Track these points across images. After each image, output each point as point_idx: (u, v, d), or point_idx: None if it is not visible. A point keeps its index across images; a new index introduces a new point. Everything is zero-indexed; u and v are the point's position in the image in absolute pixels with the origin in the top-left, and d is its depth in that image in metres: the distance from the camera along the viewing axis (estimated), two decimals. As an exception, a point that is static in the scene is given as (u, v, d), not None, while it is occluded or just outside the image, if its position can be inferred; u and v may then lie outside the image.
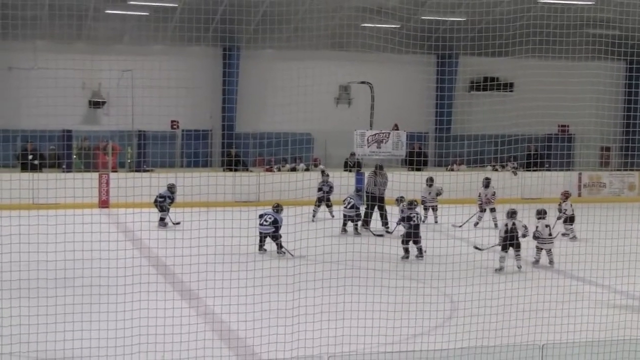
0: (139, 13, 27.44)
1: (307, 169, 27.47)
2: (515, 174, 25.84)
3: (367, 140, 27.11)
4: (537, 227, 16.85)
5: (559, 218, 20.59)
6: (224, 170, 26.58)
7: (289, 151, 27.85)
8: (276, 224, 17.56)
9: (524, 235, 16.64)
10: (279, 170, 27.18)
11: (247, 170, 27.14)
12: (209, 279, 10.93)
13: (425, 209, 22.44)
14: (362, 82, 29.30)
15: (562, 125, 32.09)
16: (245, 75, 29.46)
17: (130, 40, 28.63)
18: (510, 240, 16.22)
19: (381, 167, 22.71)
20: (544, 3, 24.71)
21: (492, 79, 31.10)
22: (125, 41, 28.65)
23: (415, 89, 30.78)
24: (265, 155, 28.09)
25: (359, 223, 20.73)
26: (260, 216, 17.83)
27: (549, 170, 29.29)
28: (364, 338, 10.44)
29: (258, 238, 17.80)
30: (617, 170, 31.67)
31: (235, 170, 26.00)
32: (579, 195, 29.05)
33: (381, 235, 18.58)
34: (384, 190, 21.98)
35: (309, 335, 10.28)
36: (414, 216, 17.70)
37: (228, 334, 11.31)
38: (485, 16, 27.46)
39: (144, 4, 26.83)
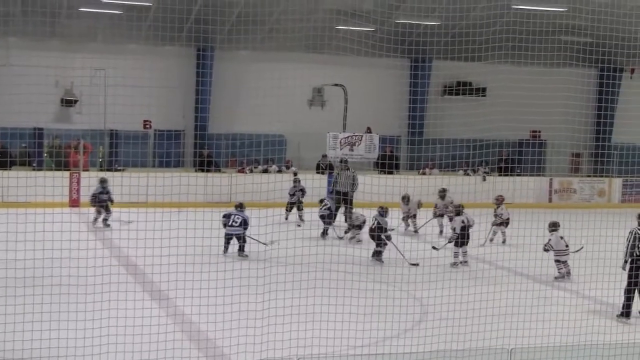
0: (113, 11, 27.29)
1: (279, 171, 27.46)
2: (484, 179, 25.92)
3: (340, 142, 27.14)
4: (549, 240, 16.61)
5: (494, 223, 20.49)
6: (196, 171, 26.54)
7: (261, 152, 27.84)
8: (245, 224, 17.49)
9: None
10: (251, 171, 27.15)
11: (219, 171, 27.09)
12: (179, 280, 10.89)
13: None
14: (336, 85, 29.35)
15: (534, 131, 32.32)
16: (219, 76, 29.43)
17: (103, 39, 28.47)
18: (463, 237, 17.10)
19: (345, 162, 23.13)
20: (518, 9, 24.84)
21: (465, 84, 31.26)
22: (98, 39, 28.49)
23: (389, 92, 30.88)
24: (237, 157, 28.04)
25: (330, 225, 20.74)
26: (226, 216, 17.66)
27: (519, 175, 29.47)
28: (333, 340, 10.44)
29: (224, 240, 17.52)
30: (588, 176, 31.95)
31: (208, 171, 25.94)
32: (550, 200, 29.29)
33: (416, 265, 17.33)
34: (350, 186, 22.09)
35: (278, 337, 10.27)
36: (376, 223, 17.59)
37: (198, 335, 11.27)
38: (459, 21, 27.67)
39: (118, 3, 26.69)
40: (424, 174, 28.96)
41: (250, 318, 10.73)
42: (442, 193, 22.01)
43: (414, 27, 28.68)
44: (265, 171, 27.29)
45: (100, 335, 9.96)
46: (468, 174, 28.48)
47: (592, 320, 12.28)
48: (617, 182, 31.18)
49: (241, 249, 17.46)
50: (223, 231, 17.41)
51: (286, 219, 22.49)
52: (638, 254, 13.28)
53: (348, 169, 22.84)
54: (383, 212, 17.64)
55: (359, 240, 19.64)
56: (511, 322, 11.67)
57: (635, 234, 13.35)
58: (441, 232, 21.48)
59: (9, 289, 10.60)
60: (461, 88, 31.24)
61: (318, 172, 27.79)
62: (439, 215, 21.73)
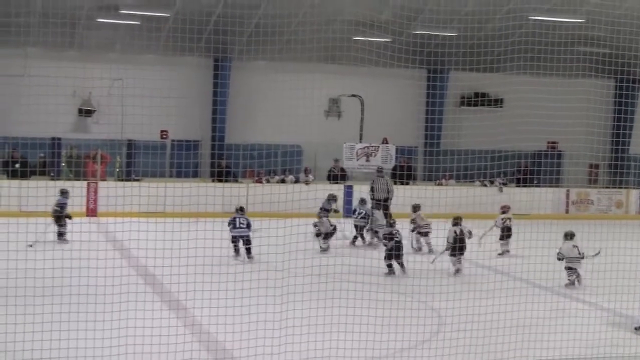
0: (131, 22, 27.46)
1: (296, 181, 27.47)
2: (501, 190, 25.85)
3: (357, 153, 27.15)
4: (560, 248, 16.74)
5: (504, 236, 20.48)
6: (213, 181, 26.59)
7: (278, 163, 27.88)
8: (249, 226, 18.46)
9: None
10: (268, 181, 27.18)
11: (236, 181, 27.14)
12: (197, 290, 10.91)
13: None
14: (353, 95, 29.37)
15: (551, 142, 32.22)
16: (236, 86, 29.52)
17: (121, 49, 28.63)
18: (459, 245, 17.42)
19: (381, 170, 23.42)
20: (535, 20, 24.84)
21: (483, 95, 31.23)
22: (116, 50, 28.65)
23: (406, 103, 30.89)
24: (254, 167, 28.09)
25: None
26: (232, 221, 18.56)
27: (537, 186, 29.36)
28: (351, 351, 10.43)
29: (232, 243, 18.35)
30: (605, 187, 31.79)
31: (225, 181, 26.00)
32: (567, 212, 29.16)
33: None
34: (385, 193, 22.48)
35: (295, 347, 10.28)
36: (395, 233, 17.62)
37: (215, 345, 11.28)
38: (476, 32, 27.62)
39: (136, 13, 26.86)
40: (440, 184, 28.90)
41: (267, 328, 10.73)
42: (415, 206, 21.28)
43: (431, 37, 28.72)
44: (282, 181, 27.32)
45: (118, 345, 9.98)
46: (485, 185, 28.42)
47: (610, 333, 12.22)
48: (635, 194, 31.02)
49: (249, 250, 18.24)
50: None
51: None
52: None
53: (383, 177, 23.17)
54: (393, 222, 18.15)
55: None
56: (529, 334, 11.64)
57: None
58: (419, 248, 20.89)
59: (27, 298, 10.64)
60: (479, 99, 31.20)
61: (332, 181, 27.69)
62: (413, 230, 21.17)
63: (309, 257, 13.66)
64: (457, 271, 17.45)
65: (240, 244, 18.49)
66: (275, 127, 28.12)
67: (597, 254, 16.30)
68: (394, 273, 17.17)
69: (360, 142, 28.11)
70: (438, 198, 22.37)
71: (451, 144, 29.45)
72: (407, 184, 27.66)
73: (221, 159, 28.03)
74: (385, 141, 28.16)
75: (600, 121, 30.91)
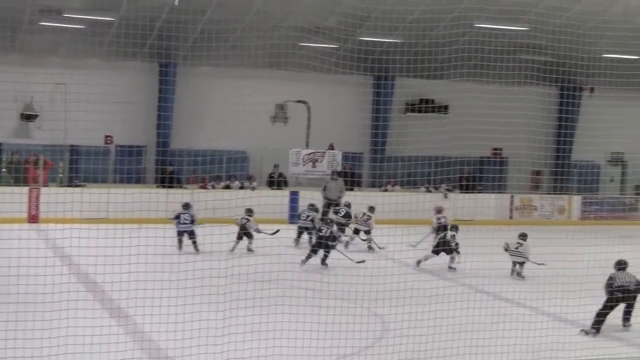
0: (75, 26, 27.09)
1: (241, 187, 27.36)
2: (446, 196, 26.06)
3: (303, 159, 27.16)
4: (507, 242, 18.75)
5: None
6: (157, 187, 26.34)
7: (223, 169, 27.75)
8: (193, 221, 19.81)
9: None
10: (213, 187, 27.02)
11: (181, 187, 26.92)
12: (139, 297, 10.79)
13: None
14: (299, 101, 29.36)
15: (496, 149, 32.55)
16: (182, 91, 29.29)
17: (65, 54, 28.25)
18: (442, 246, 19.19)
19: (336, 173, 25.38)
20: (480, 28, 25.05)
21: (428, 101, 31.44)
22: (60, 54, 28.27)
23: (352, 109, 30.96)
24: (199, 173, 27.91)
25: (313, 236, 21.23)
26: (177, 217, 19.90)
27: (481, 192, 29.64)
28: (294, 358, 10.40)
29: (177, 238, 19.74)
30: (548, 193, 32.22)
31: (170, 187, 25.77)
32: (511, 217, 29.48)
33: (362, 262, 18.38)
34: (338, 193, 24.66)
35: (238, 354, 10.21)
36: (325, 230, 19.02)
37: (158, 353, 11.17)
38: (422, 39, 27.82)
39: (80, 17, 26.49)
40: (385, 190, 29.03)
41: (210, 335, 10.64)
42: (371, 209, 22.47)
43: (377, 44, 28.85)
44: (227, 187, 27.17)
45: (57, 354, 9.82)
46: (430, 191, 28.60)
47: (552, 337, 12.35)
48: (577, 200, 31.48)
49: (194, 244, 19.54)
50: (185, 248, 17.57)
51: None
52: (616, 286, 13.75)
53: (337, 179, 25.02)
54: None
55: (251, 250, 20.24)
56: (472, 339, 11.71)
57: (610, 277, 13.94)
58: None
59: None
60: (424, 106, 31.40)
61: (272, 187, 27.60)
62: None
63: (253, 264, 13.59)
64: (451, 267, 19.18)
65: (185, 238, 19.73)
66: (221, 133, 28.00)
67: (541, 264, 16.75)
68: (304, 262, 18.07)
69: (307, 148, 28.11)
70: (382, 204, 22.61)
71: (396, 150, 29.63)
72: (352, 189, 27.77)
73: (166, 165, 27.79)
74: (331, 147, 28.21)
75: (544, 128, 31.35)
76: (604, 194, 33.41)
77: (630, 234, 19.99)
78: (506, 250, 18.66)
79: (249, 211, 20.50)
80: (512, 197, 29.99)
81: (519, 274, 18.48)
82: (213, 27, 26.17)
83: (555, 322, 13.72)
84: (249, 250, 20.19)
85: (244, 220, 20.18)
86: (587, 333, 13.42)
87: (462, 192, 28.40)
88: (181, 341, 10.31)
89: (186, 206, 20.30)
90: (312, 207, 22.11)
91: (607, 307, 13.66)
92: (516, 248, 18.70)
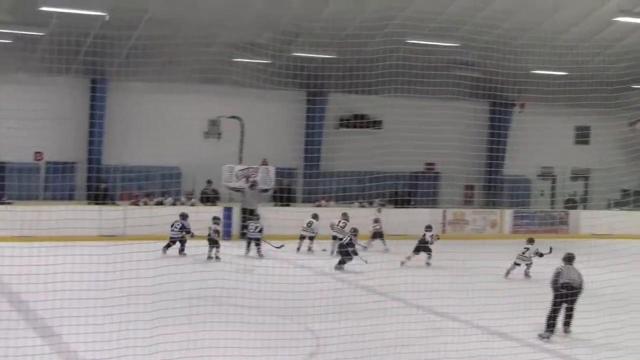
0: (3, 41, 26.54)
1: (174, 204, 27.08)
2: (379, 211, 26.16)
3: (236, 174, 27.02)
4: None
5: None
6: (89, 204, 25.96)
7: (156, 185, 27.49)
8: (183, 229, 22.04)
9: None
10: (146, 204, 26.70)
11: (113, 203, 26.55)
12: (65, 315, 10.57)
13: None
14: (232, 117, 29.18)
15: (429, 164, 32.84)
16: (114, 107, 28.92)
17: (-8, 69, 27.67)
18: (421, 245, 21.86)
19: (254, 183, 26.34)
20: (412, 44, 25.27)
21: (361, 117, 31.58)
22: (-14, 69, 27.68)
23: (285, 125, 30.94)
24: (132, 189, 27.56)
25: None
26: (172, 224, 21.96)
27: (415, 207, 29.83)
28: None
29: (167, 243, 21.76)
30: (480, 208, 32.59)
31: (102, 203, 25.40)
32: (444, 231, 29.69)
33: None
34: (255, 205, 25.67)
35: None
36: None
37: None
38: (355, 55, 27.98)
39: (8, 32, 25.97)
40: (319, 205, 29.04)
41: (137, 354, 10.47)
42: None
43: (310, 60, 28.87)
44: (160, 204, 26.88)
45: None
46: (364, 206, 28.66)
47: (483, 350, 12.42)
48: (509, 214, 31.88)
49: (182, 249, 21.98)
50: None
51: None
52: (561, 283, 14.16)
53: (254, 191, 26.27)
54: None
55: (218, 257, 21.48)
56: (404, 354, 11.73)
57: (557, 272, 14.36)
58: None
59: None
60: (357, 121, 31.54)
61: (207, 204, 27.41)
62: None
63: (187, 280, 13.45)
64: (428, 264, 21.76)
65: (176, 244, 21.98)
66: (153, 149, 27.72)
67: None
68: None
69: (240, 163, 27.97)
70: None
71: (330, 165, 29.68)
72: (287, 205, 27.72)
73: (100, 182, 27.33)
74: (264, 162, 28.10)
75: (475, 143, 31.73)
76: (535, 208, 33.92)
77: (560, 246, 20.38)
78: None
79: (216, 219, 22.61)
80: (444, 211, 30.23)
81: (527, 274, 20.63)
82: (145, 42, 25.94)
83: (486, 335, 13.81)
84: (214, 258, 21.58)
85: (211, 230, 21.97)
86: (542, 337, 13.91)
87: (396, 207, 28.52)
88: (110, 360, 10.14)
89: (182, 216, 22.37)
90: (258, 218, 23.55)
91: (556, 304, 14.13)
92: (523, 253, 20.59)
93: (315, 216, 24.42)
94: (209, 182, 28.11)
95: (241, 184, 26.73)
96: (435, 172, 32.83)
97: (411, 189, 31.57)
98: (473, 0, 26.83)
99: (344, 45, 27.70)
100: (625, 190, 34.37)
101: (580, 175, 36.10)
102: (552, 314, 14.10)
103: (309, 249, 24.26)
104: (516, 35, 27.28)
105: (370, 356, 11.38)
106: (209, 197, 27.94)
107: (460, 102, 29.43)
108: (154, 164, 28.14)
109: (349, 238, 21.27)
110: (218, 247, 21.64)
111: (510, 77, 27.67)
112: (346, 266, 20.60)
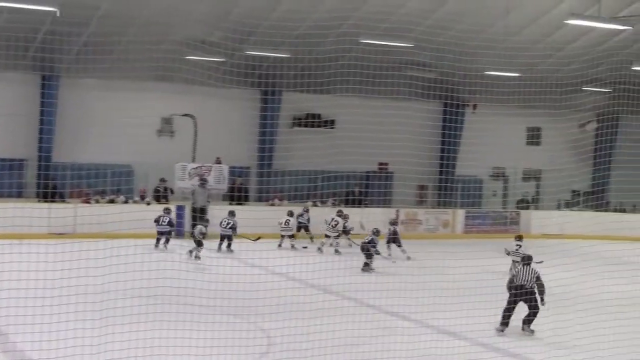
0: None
1: (126, 202, 26.87)
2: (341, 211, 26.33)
3: (189, 173, 26.88)
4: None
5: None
6: (39, 202, 25.63)
7: (108, 183, 27.22)
8: (171, 225, 23.42)
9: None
10: (97, 202, 26.45)
11: (63, 201, 26.23)
12: (18, 315, 10.45)
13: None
14: (185, 115, 29.00)
15: (382, 163, 32.95)
16: (65, 104, 28.52)
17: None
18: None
19: (202, 181, 26.52)
20: (366, 44, 25.33)
21: (314, 116, 31.59)
22: None
23: (239, 123, 30.81)
24: (83, 187, 27.27)
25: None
26: (157, 219, 23.08)
27: (367, 206, 29.92)
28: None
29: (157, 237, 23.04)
30: (433, 207, 32.79)
31: (52, 201, 25.07)
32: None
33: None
34: (204, 203, 26.10)
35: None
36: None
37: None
38: (308, 54, 27.99)
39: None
40: (272, 205, 29.01)
41: (85, 354, 10.36)
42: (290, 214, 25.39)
43: (263, 59, 28.83)
44: (112, 201, 26.64)
45: None
46: (317, 205, 28.69)
47: (435, 350, 12.49)
48: (461, 214, 32.15)
49: (167, 241, 23.14)
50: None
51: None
52: (517, 283, 14.57)
53: (204, 188, 26.45)
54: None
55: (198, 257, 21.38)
56: (356, 353, 11.76)
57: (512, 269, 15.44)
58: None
59: None
60: (310, 120, 31.53)
61: (160, 201, 27.18)
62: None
63: (138, 279, 13.33)
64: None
65: (163, 239, 23.11)
66: (105, 147, 27.48)
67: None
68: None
69: (193, 162, 27.82)
70: (268, 219, 22.59)
71: (284, 164, 29.63)
72: (240, 204, 27.61)
73: (50, 180, 26.95)
74: (218, 161, 27.98)
75: (428, 144, 31.94)
76: (487, 208, 34.24)
77: (511, 246, 20.76)
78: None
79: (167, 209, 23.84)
80: (397, 211, 30.36)
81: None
82: (97, 39, 25.72)
83: (436, 335, 13.90)
84: (199, 257, 21.33)
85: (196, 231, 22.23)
86: (497, 330, 14.31)
87: (349, 207, 28.59)
88: (62, 359, 10.02)
89: (166, 210, 23.77)
90: (232, 214, 23.84)
91: (510, 303, 14.47)
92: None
93: (290, 214, 25.37)
94: (162, 180, 27.92)
95: (194, 182, 26.62)
96: (388, 172, 32.94)
97: (363, 189, 31.65)
98: (427, 2, 26.97)
99: (298, 45, 27.69)
100: (575, 191, 34.86)
101: (531, 175, 36.49)
102: (507, 313, 14.42)
103: (292, 247, 24.91)
104: (469, 36, 27.48)
105: (320, 355, 11.39)
106: (163, 195, 27.75)
107: (413, 103, 29.59)
108: (105, 161, 27.88)
109: (370, 237, 21.39)
110: (202, 247, 21.71)
111: (463, 78, 27.96)
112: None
